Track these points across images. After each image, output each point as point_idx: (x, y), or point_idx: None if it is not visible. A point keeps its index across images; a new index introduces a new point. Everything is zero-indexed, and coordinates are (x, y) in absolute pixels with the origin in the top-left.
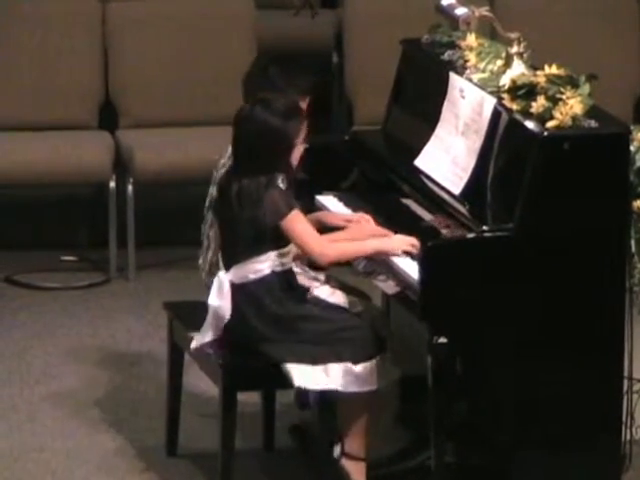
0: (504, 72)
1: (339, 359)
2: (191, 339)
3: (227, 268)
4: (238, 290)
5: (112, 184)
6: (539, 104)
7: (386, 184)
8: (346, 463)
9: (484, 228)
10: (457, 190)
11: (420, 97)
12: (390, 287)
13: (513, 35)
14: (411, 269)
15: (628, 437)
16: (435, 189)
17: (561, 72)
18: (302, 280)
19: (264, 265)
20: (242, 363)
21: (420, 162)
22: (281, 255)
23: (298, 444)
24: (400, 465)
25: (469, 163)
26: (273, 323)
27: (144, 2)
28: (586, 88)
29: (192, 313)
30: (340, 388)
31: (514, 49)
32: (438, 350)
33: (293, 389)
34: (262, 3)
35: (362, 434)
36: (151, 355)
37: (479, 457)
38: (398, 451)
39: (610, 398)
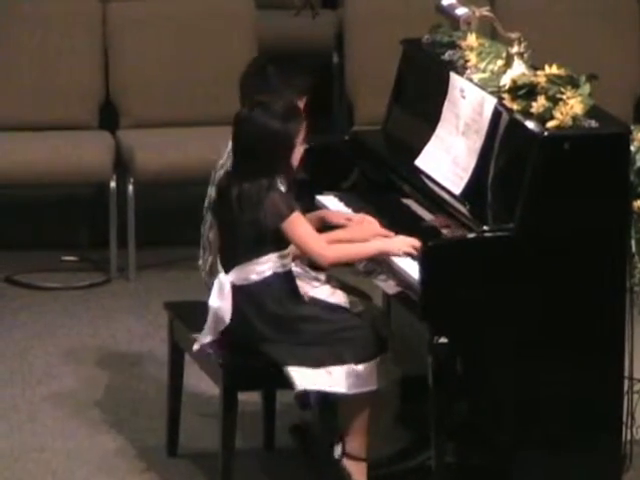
0: (504, 72)
1: (341, 361)
2: (192, 340)
3: (227, 270)
4: (239, 291)
5: (112, 184)
6: (539, 104)
7: (386, 184)
8: (347, 463)
9: (484, 228)
10: (457, 190)
11: (420, 97)
12: (391, 287)
13: (513, 35)
14: (412, 269)
15: (628, 437)
16: (435, 189)
17: (561, 72)
18: (302, 280)
19: (265, 267)
20: (243, 363)
21: (421, 162)
22: (282, 256)
23: (299, 444)
24: (400, 465)
25: (469, 163)
26: (274, 324)
27: (144, 2)
28: (586, 88)
29: (193, 313)
30: (344, 390)
31: (514, 49)
32: (439, 350)
33: (294, 389)
34: (263, 3)
35: (363, 434)
36: (152, 355)
37: (479, 457)
38: (398, 451)
39: (610, 398)
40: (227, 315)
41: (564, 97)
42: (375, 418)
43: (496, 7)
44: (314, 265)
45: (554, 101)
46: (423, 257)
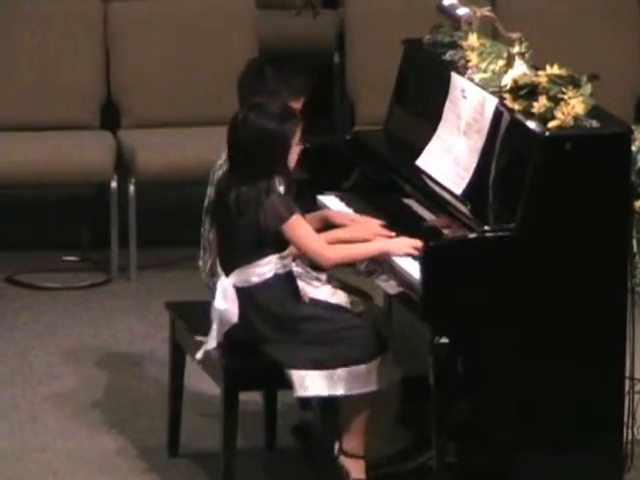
0: (506, 72)
1: (342, 361)
2: (193, 340)
3: (227, 273)
4: (240, 293)
5: (114, 184)
6: (541, 104)
7: (387, 184)
8: (345, 461)
9: (486, 228)
10: (459, 190)
11: (422, 97)
12: (392, 287)
13: (515, 35)
14: (413, 269)
15: (630, 437)
16: (437, 189)
17: (563, 72)
18: (303, 281)
19: (266, 268)
20: (244, 363)
21: (422, 162)
22: (282, 258)
23: (300, 444)
24: (401, 465)
25: (471, 163)
26: (275, 324)
27: (145, 2)
28: (588, 88)
29: (194, 313)
30: (344, 391)
31: (516, 49)
32: (440, 350)
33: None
34: (263, 3)
35: (361, 433)
36: (153, 355)
37: (480, 457)
38: (399, 451)
39: (611, 398)
40: (234, 317)
41: (565, 97)
42: (376, 418)
43: (497, 7)
44: (315, 265)
45: (555, 101)
46: (424, 257)
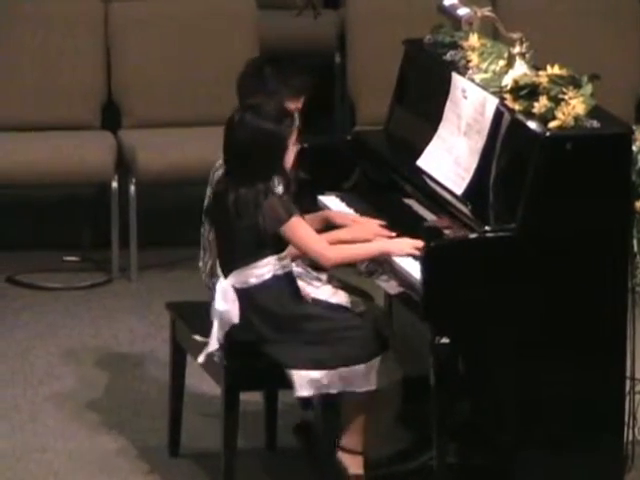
0: (506, 72)
1: (342, 363)
2: (194, 341)
3: (225, 274)
4: (240, 294)
5: (114, 184)
6: (541, 104)
7: (388, 184)
8: (343, 457)
9: (486, 228)
10: (459, 190)
11: (422, 97)
12: (392, 287)
13: (515, 35)
14: (413, 269)
15: (630, 437)
16: (437, 189)
17: (563, 72)
18: (304, 281)
19: (265, 270)
20: (244, 363)
21: (422, 162)
22: (281, 259)
23: (301, 444)
24: (402, 465)
25: (471, 163)
26: (275, 324)
27: (146, 2)
28: (588, 88)
29: (195, 313)
30: (344, 390)
31: (516, 49)
32: (440, 350)
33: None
34: (264, 3)
35: (360, 431)
36: (153, 355)
37: (481, 457)
38: (400, 451)
39: (612, 398)
40: (235, 318)
41: (566, 97)
42: (376, 418)
43: (498, 7)
44: (315, 265)
45: (556, 101)
46: (425, 257)
